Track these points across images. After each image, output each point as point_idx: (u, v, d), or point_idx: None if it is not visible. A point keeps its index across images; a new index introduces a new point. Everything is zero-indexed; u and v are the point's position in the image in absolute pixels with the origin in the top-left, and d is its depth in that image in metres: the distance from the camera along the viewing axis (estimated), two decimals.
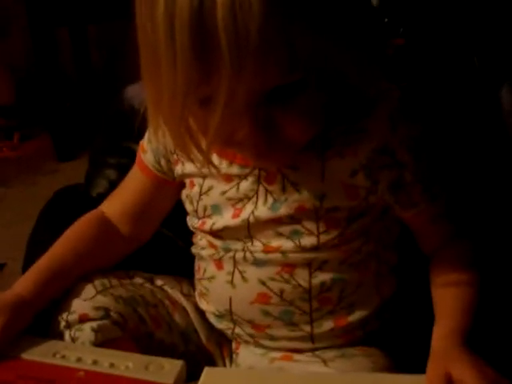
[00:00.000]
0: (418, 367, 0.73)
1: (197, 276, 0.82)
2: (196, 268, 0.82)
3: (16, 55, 2.46)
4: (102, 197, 0.92)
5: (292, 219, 0.71)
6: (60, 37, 2.28)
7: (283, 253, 0.72)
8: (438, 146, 0.73)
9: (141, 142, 0.82)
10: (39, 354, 0.68)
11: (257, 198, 0.72)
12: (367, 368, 0.69)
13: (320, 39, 0.58)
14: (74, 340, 0.71)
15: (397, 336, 0.79)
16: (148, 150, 0.80)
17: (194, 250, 0.82)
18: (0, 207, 2.01)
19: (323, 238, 0.71)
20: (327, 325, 0.74)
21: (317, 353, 0.74)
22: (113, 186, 0.93)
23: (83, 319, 0.72)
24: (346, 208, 0.71)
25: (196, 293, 0.83)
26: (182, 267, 0.89)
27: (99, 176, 1.03)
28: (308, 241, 0.71)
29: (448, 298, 0.69)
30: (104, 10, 2.06)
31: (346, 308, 0.74)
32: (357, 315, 0.75)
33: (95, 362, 0.67)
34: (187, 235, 0.84)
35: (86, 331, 0.71)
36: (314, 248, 0.71)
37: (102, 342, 0.71)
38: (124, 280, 0.80)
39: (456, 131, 0.84)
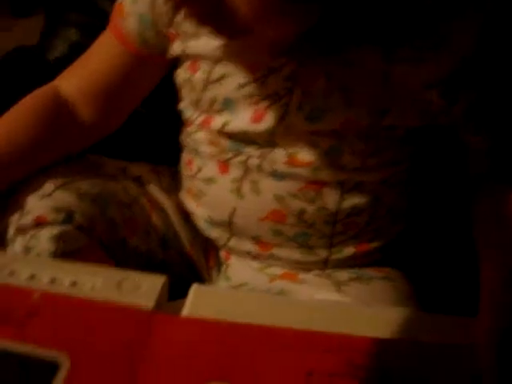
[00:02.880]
0: (435, 291, 0.64)
1: (186, 172, 0.67)
2: (185, 161, 0.67)
3: None
4: (60, 62, 0.74)
5: (334, 134, 0.56)
6: None
7: (314, 169, 0.57)
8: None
9: (118, 2, 0.63)
10: None
11: (289, 99, 0.55)
12: (388, 296, 0.57)
13: None
14: (27, 250, 0.56)
15: (412, 256, 0.67)
16: (131, 14, 0.62)
17: (184, 139, 0.66)
18: None
19: (370, 160, 0.57)
20: (348, 251, 0.62)
21: (327, 271, 0.62)
22: (74, 50, 0.76)
23: (40, 223, 0.57)
24: (406, 127, 0.56)
25: (183, 189, 0.68)
26: (160, 153, 0.74)
27: (57, 36, 0.84)
28: (349, 161, 0.57)
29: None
30: None
31: (372, 232, 0.62)
32: (381, 240, 0.62)
33: (53, 281, 0.53)
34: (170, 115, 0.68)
35: (44, 239, 0.56)
36: (355, 169, 0.57)
37: (64, 252, 0.56)
38: (90, 171, 0.64)
39: None
